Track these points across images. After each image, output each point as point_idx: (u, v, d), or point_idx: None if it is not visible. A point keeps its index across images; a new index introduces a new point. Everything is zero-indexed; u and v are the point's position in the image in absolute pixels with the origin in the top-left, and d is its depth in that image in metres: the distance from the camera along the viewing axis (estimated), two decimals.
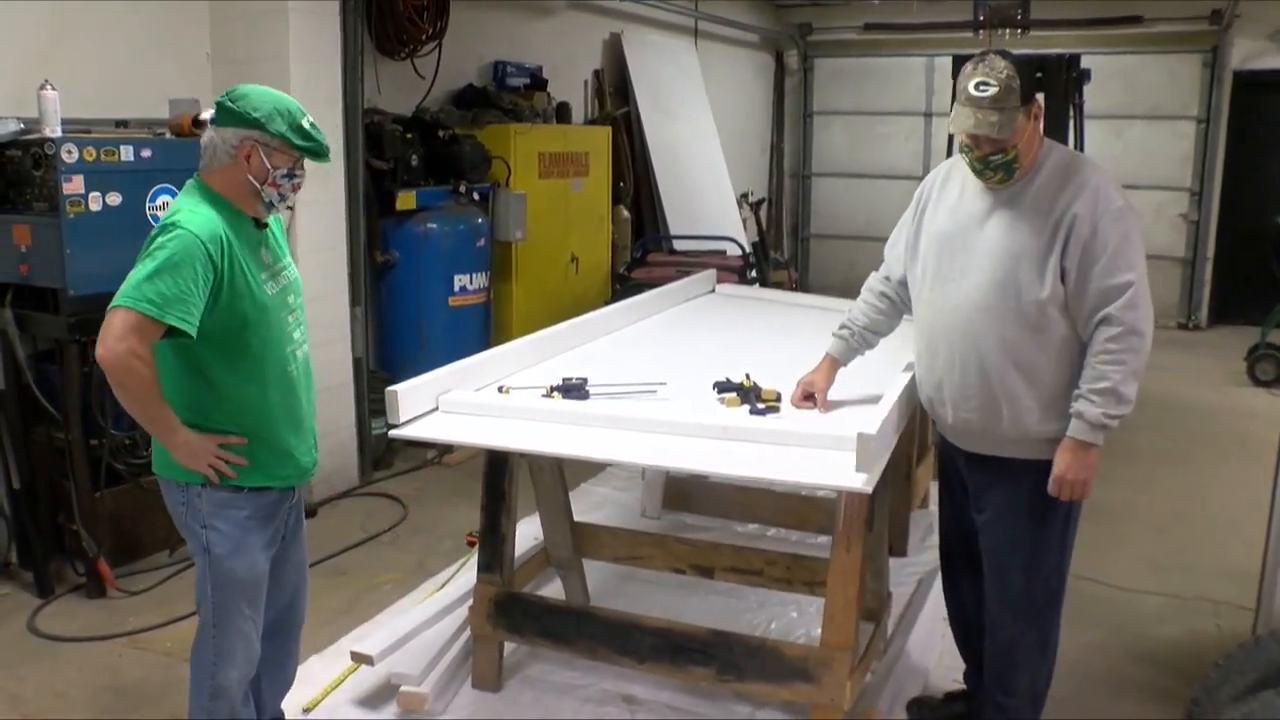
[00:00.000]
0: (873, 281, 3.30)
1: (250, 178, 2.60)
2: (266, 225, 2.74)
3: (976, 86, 2.70)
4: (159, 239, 2.49)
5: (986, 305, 2.79)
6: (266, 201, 2.65)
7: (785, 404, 3.20)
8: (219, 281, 2.52)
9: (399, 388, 3.05)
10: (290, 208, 2.73)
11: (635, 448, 2.95)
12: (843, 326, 3.29)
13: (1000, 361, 2.79)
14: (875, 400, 3.06)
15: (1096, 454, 2.75)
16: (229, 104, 2.58)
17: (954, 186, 2.96)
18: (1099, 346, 2.69)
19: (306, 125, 2.61)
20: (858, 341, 3.27)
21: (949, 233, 2.91)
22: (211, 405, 2.63)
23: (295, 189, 2.68)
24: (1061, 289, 2.72)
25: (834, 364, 3.26)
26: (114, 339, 2.41)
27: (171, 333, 2.47)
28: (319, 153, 2.65)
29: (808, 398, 3.20)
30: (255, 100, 2.58)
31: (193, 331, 2.47)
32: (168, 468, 2.69)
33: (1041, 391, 2.78)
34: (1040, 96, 2.83)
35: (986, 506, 2.99)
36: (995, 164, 2.76)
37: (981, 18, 9.37)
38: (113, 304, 2.45)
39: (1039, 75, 7.29)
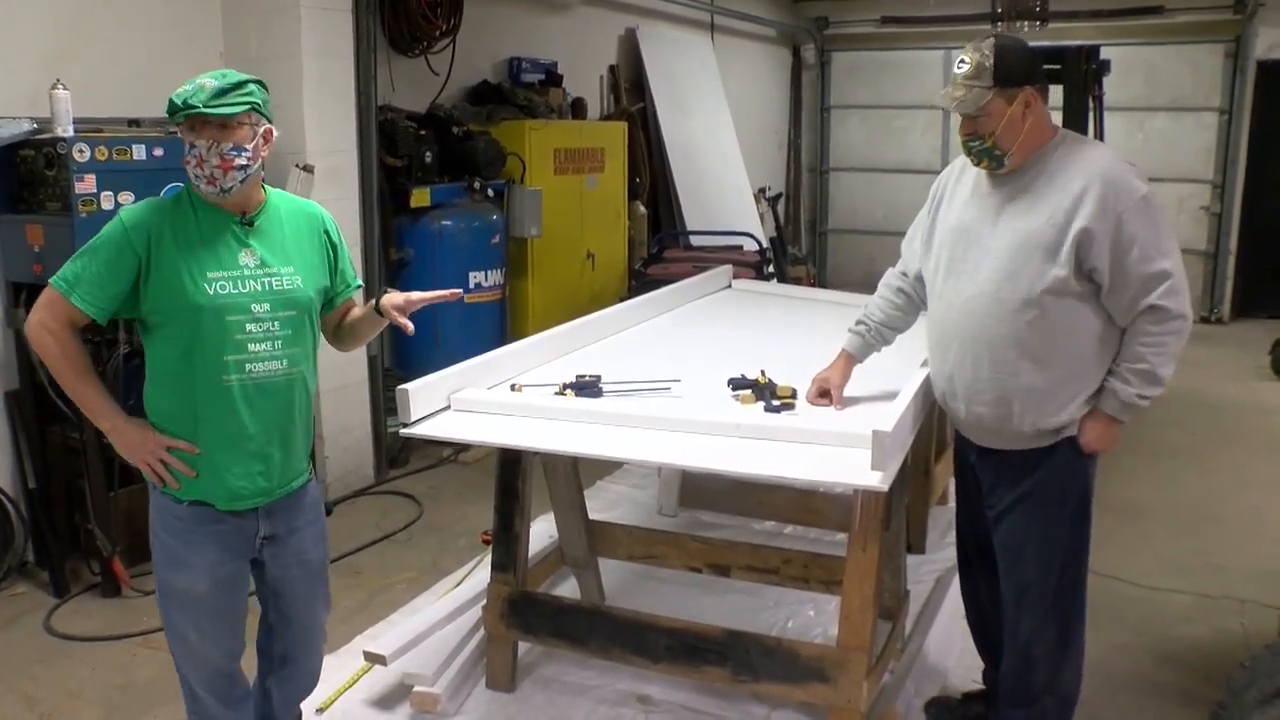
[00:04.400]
0: (889, 278, 3.27)
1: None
2: (251, 224, 2.56)
3: (957, 64, 2.76)
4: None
5: (997, 299, 2.76)
6: (195, 181, 2.48)
7: (801, 401, 3.17)
8: (143, 271, 2.45)
9: (409, 386, 3.02)
10: (225, 189, 2.46)
11: (648, 446, 2.92)
12: (859, 322, 3.25)
13: (1012, 356, 2.76)
14: (891, 397, 3.02)
15: (1121, 426, 2.82)
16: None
17: (968, 181, 2.93)
18: (1142, 330, 2.71)
19: (179, 89, 2.44)
20: (874, 337, 3.24)
21: (962, 227, 2.89)
22: (148, 395, 2.57)
23: (197, 163, 2.44)
24: (1076, 282, 2.68)
25: (850, 360, 3.23)
26: (33, 310, 2.47)
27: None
28: (173, 110, 2.44)
29: (823, 394, 3.17)
30: None
31: (95, 315, 2.44)
32: None
33: (1054, 384, 2.75)
34: (1029, 87, 2.73)
35: (997, 501, 2.96)
36: (975, 149, 2.77)
37: (999, 10, 9.30)
38: None
39: (1056, 66, 7.26)
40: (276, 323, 2.56)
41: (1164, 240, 2.68)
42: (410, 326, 2.81)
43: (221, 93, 2.44)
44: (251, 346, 2.53)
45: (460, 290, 3.03)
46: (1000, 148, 2.74)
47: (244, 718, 2.83)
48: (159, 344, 2.52)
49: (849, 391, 3.19)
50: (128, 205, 2.52)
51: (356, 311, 2.89)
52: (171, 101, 2.45)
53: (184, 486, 2.55)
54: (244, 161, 2.48)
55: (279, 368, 2.58)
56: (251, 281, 2.53)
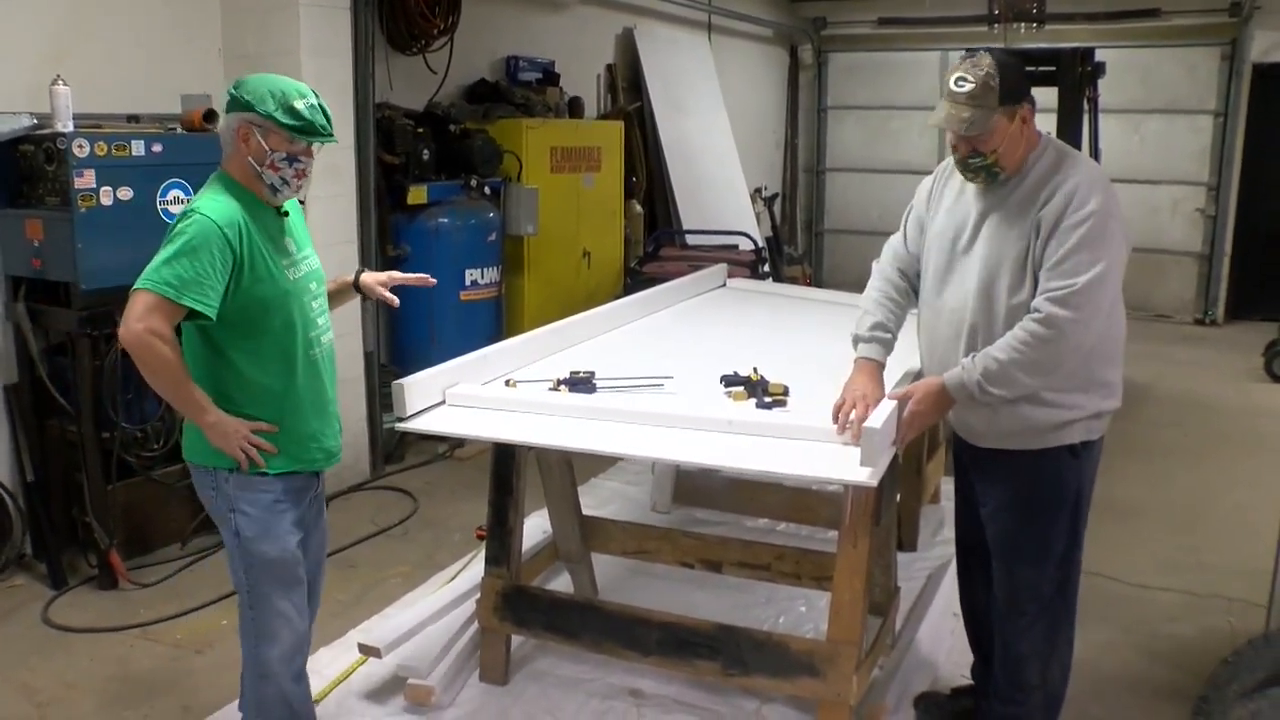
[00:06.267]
0: (888, 282, 3.11)
1: (250, 160, 2.62)
2: (287, 214, 2.76)
3: (955, 81, 2.69)
4: (179, 225, 2.56)
5: (975, 310, 2.78)
6: (269, 184, 2.64)
7: (792, 398, 3.18)
8: (238, 266, 2.57)
9: (405, 381, 3.05)
10: (302, 197, 2.73)
11: (640, 441, 2.95)
12: (879, 328, 3.02)
13: None
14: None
15: (951, 405, 2.79)
16: (232, 91, 2.65)
17: (954, 186, 2.95)
18: (1021, 324, 2.66)
19: (300, 106, 2.60)
20: (892, 340, 3.07)
21: (946, 235, 2.91)
22: (235, 388, 2.67)
23: (299, 175, 2.66)
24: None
25: (881, 369, 3.00)
26: (134, 319, 2.49)
27: (192, 315, 2.53)
28: (308, 131, 2.61)
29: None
30: (253, 85, 2.62)
31: (211, 313, 2.53)
32: (196, 452, 2.73)
33: (1036, 395, 2.74)
34: (1028, 102, 2.72)
35: (990, 499, 2.97)
36: (974, 166, 2.75)
37: (996, 11, 9.33)
38: (134, 287, 2.52)
39: (1051, 69, 7.28)
40: (321, 298, 2.86)
41: (1084, 257, 2.61)
42: (395, 300, 3.08)
43: (330, 115, 2.68)
44: (319, 321, 2.82)
45: (434, 279, 3.21)
46: (1001, 165, 2.74)
47: (308, 691, 2.96)
48: (255, 334, 2.65)
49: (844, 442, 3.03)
50: (199, 203, 2.60)
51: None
52: (309, 121, 2.60)
53: (281, 458, 2.71)
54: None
55: (332, 336, 2.90)
56: (301, 265, 2.78)
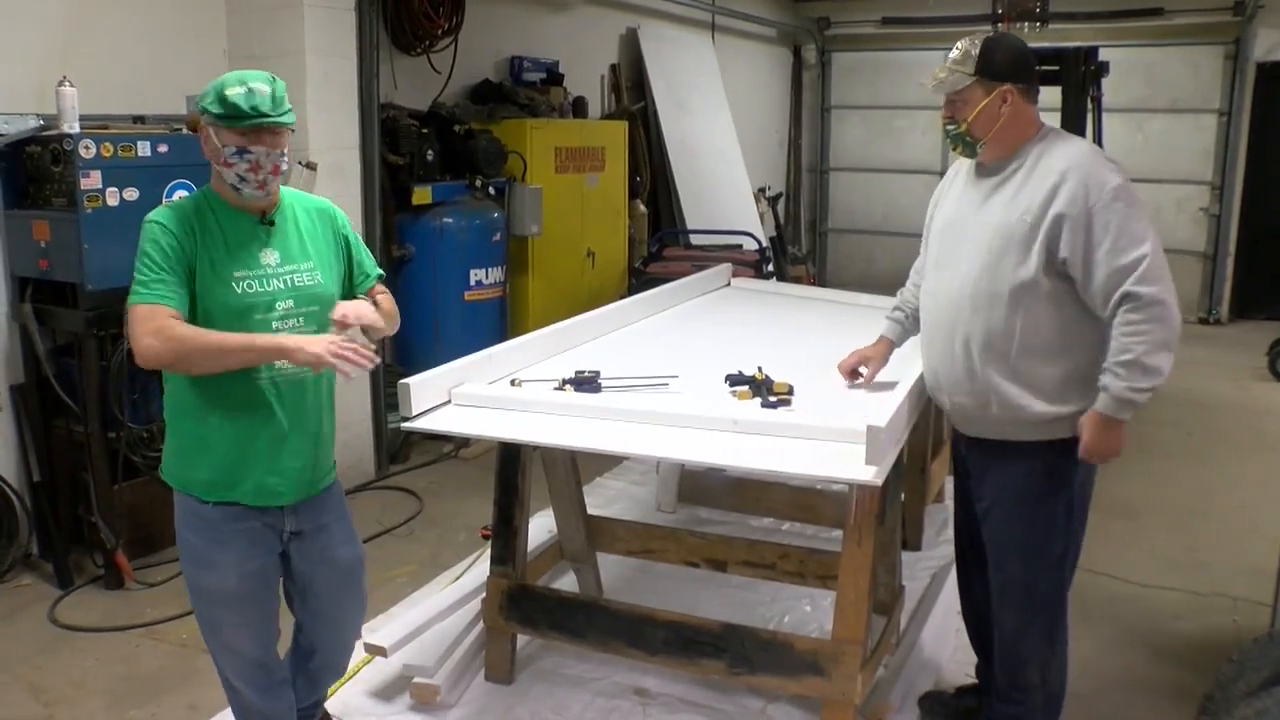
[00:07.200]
0: (918, 270, 3.33)
1: (211, 160, 2.50)
2: (272, 223, 2.59)
3: (951, 49, 2.87)
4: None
5: (974, 293, 2.79)
6: (230, 184, 2.49)
7: (797, 398, 3.20)
8: (189, 261, 2.45)
9: (411, 380, 3.06)
10: (270, 192, 2.52)
11: (646, 440, 2.95)
12: (896, 309, 3.34)
13: (983, 354, 2.79)
14: (887, 393, 3.06)
15: (1123, 427, 2.70)
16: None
17: (961, 178, 3.01)
18: (1121, 320, 2.63)
19: (232, 92, 2.42)
20: (911, 324, 3.27)
21: (950, 222, 2.96)
22: (177, 390, 2.57)
23: (252, 169, 2.46)
24: (1045, 278, 2.70)
25: (890, 345, 3.32)
26: (136, 339, 2.39)
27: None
28: (235, 116, 2.42)
29: (856, 369, 3.29)
30: (210, 84, 2.49)
31: (179, 308, 2.41)
32: (163, 469, 2.67)
33: (1030, 382, 2.76)
34: (1011, 84, 2.76)
35: (985, 494, 2.97)
36: (950, 133, 2.90)
37: (1000, 11, 9.32)
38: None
39: (1054, 68, 7.28)
40: (301, 319, 2.58)
41: (1136, 228, 2.63)
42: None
43: (279, 100, 2.48)
44: None
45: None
46: (973, 135, 2.81)
47: (283, 704, 2.84)
48: None
49: (848, 387, 3.24)
50: (151, 212, 2.51)
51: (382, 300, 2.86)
52: (234, 105, 2.42)
53: (218, 488, 2.56)
54: (286, 165, 2.54)
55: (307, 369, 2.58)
56: (275, 280, 2.56)
